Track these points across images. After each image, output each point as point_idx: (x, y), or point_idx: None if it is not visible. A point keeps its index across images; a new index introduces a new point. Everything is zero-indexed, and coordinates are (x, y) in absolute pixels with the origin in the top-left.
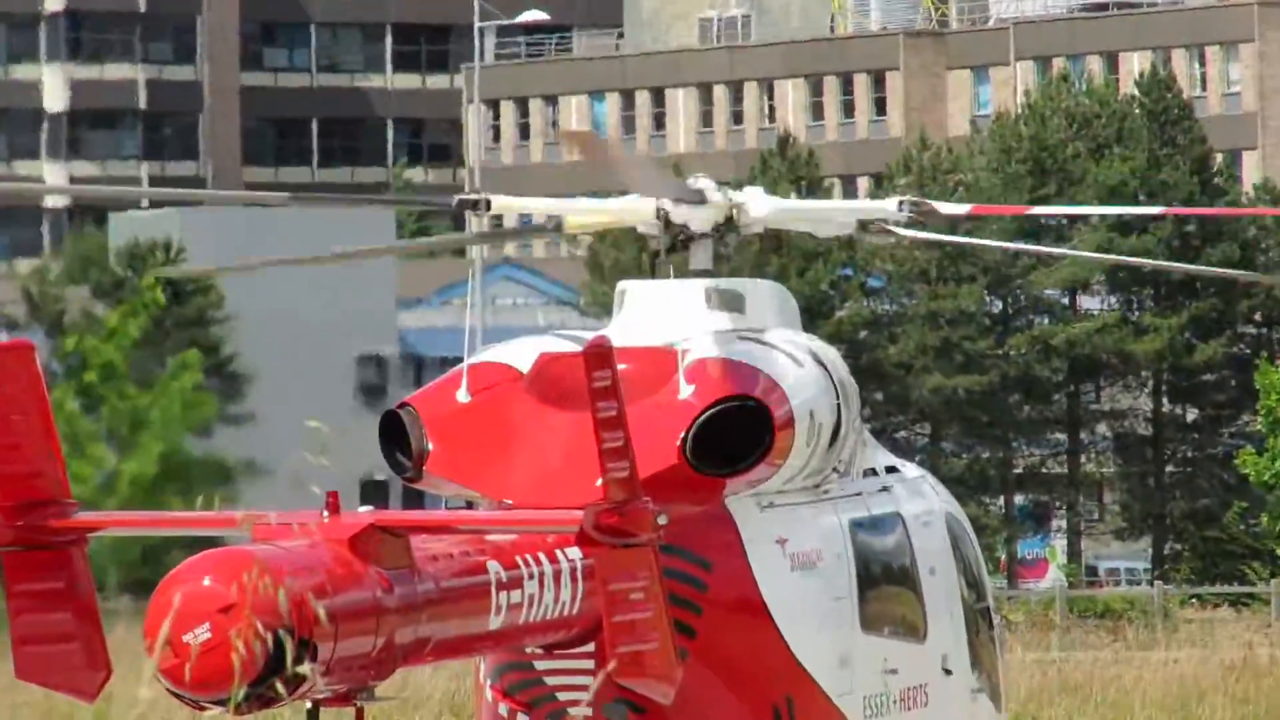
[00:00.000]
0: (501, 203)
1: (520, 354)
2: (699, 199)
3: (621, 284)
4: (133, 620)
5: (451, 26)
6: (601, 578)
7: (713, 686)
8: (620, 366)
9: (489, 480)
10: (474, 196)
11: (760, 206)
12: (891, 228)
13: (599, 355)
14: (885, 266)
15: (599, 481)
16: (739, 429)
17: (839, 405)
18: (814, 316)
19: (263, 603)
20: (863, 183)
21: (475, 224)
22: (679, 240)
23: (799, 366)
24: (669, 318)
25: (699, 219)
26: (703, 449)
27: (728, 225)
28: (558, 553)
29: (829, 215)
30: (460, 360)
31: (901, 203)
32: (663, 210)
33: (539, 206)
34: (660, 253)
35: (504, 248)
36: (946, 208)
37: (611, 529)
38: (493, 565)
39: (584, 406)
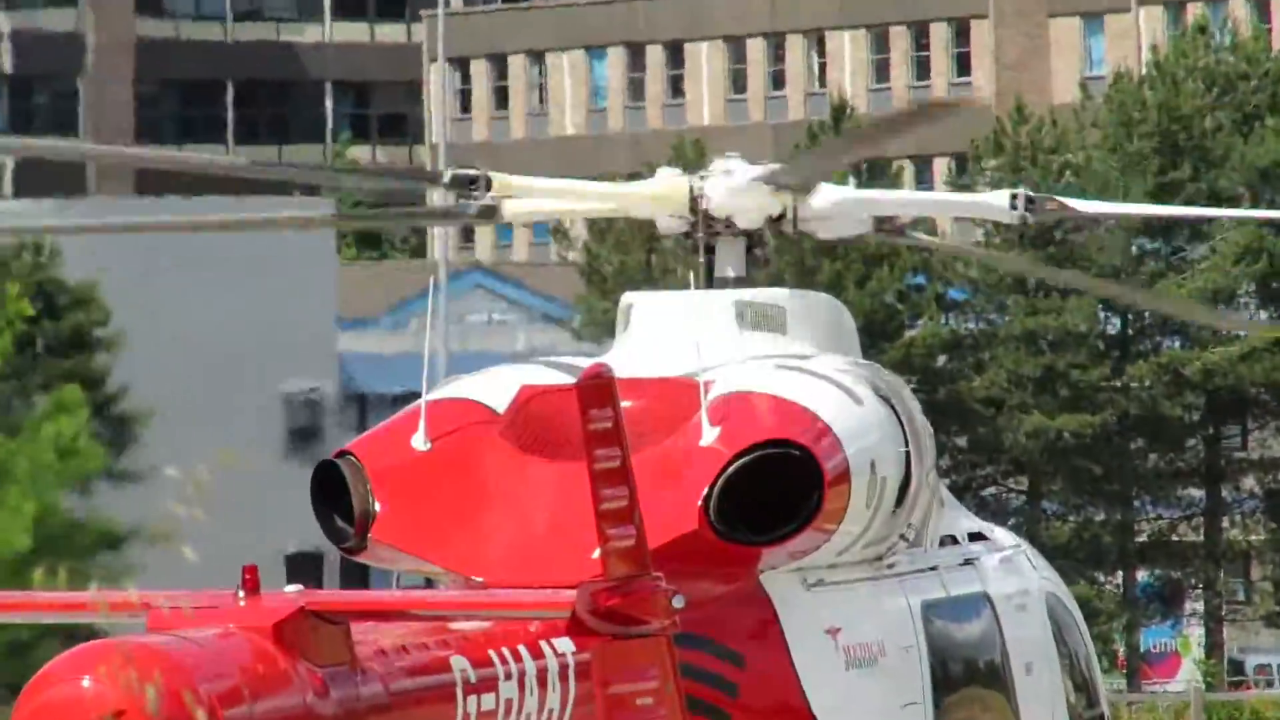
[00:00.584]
0: (504, 183)
1: (495, 388)
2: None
3: (627, 297)
4: None
5: None
6: (600, 677)
7: None
8: (624, 404)
9: (454, 551)
10: (470, 172)
11: (826, 196)
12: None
13: (597, 389)
14: (969, 273)
15: (596, 553)
16: (778, 485)
17: (908, 453)
18: (877, 338)
19: (160, 710)
20: (939, 165)
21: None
22: (708, 238)
23: (857, 404)
24: (688, 340)
25: (747, 209)
26: (731, 510)
27: (779, 220)
28: (543, 645)
29: (919, 211)
30: (417, 396)
31: (1015, 198)
32: (699, 194)
33: (551, 187)
34: (696, 249)
35: (475, 249)
36: (1079, 206)
37: (613, 614)
38: (458, 662)
39: (577, 455)
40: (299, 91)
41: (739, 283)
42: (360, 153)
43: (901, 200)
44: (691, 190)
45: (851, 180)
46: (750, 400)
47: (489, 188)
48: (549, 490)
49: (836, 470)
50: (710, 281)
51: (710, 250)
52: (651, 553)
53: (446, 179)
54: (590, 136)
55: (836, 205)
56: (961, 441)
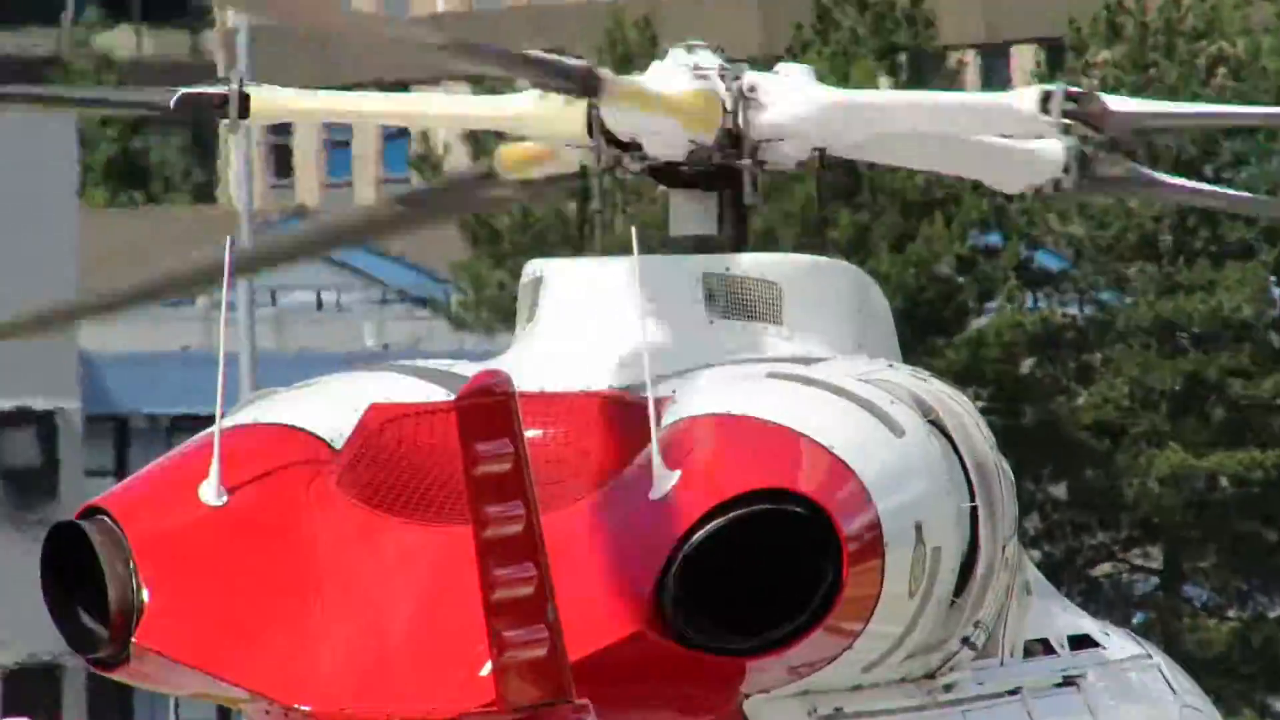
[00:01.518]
0: (268, 101)
1: (328, 409)
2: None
3: (534, 265)
4: None
5: None
6: None
7: None
8: (531, 433)
9: (264, 666)
10: (215, 90)
11: (790, 105)
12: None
13: (488, 411)
14: (1069, 228)
15: (486, 668)
16: (772, 562)
17: (974, 511)
18: (926, 330)
19: None
20: (1020, 56)
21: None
22: (654, 172)
23: (894, 434)
24: (629, 332)
25: (662, 141)
26: (699, 601)
27: (730, 142)
28: None
29: (920, 119)
30: (204, 420)
31: (1048, 98)
32: (597, 117)
33: (339, 108)
34: (598, 201)
35: (295, 189)
36: (1123, 106)
37: None
38: None
39: (457, 514)
40: None
41: (706, 245)
42: (112, 39)
43: (902, 103)
44: (590, 106)
45: (884, 81)
46: (726, 428)
47: (245, 113)
48: (413, 568)
49: (863, 537)
50: (664, 244)
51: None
52: (575, 667)
53: (172, 101)
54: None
55: (805, 117)
56: (1059, 491)
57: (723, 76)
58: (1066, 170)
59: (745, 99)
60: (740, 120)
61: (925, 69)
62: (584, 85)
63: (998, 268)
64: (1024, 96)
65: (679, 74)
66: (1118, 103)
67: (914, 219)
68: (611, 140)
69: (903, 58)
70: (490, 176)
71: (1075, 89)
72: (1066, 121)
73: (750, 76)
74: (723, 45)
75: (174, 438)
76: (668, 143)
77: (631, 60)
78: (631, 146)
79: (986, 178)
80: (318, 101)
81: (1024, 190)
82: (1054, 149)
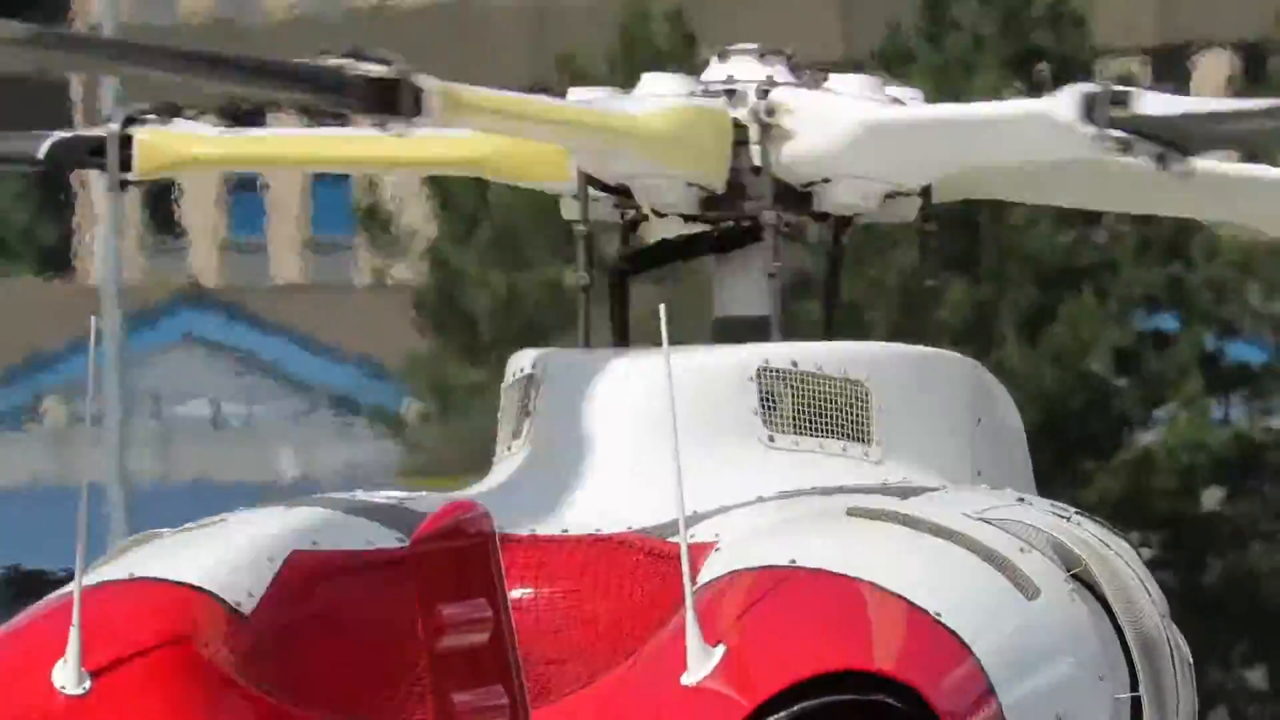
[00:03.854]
0: (162, 147)
1: (232, 557)
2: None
3: (521, 358)
4: None
5: None
6: None
7: None
8: (518, 591)
9: None
10: (95, 132)
11: (817, 129)
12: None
13: (459, 557)
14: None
15: None
16: None
17: (1135, 704)
18: (1073, 450)
19: None
20: (1211, 61)
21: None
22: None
23: (1024, 595)
24: (651, 453)
25: (656, 189)
26: None
27: (755, 177)
28: None
29: (940, 144)
30: (60, 576)
31: (1092, 102)
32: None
33: (265, 154)
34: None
35: (187, 254)
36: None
37: None
38: None
39: (414, 704)
40: None
41: (764, 331)
42: None
43: (907, 123)
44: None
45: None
46: (788, 587)
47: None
48: None
49: None
50: (710, 329)
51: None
52: None
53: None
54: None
55: (809, 142)
56: (1256, 677)
57: (730, 94)
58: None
59: (765, 124)
60: (758, 154)
61: (1075, 81)
62: (385, 105)
63: (1172, 362)
64: (1058, 101)
65: (672, 89)
66: (1168, 103)
67: (1054, 293)
68: (608, 188)
69: (1045, 67)
70: None
71: (1121, 88)
72: (1117, 134)
73: (778, 94)
74: (784, 49)
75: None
76: (666, 190)
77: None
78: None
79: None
80: (237, 145)
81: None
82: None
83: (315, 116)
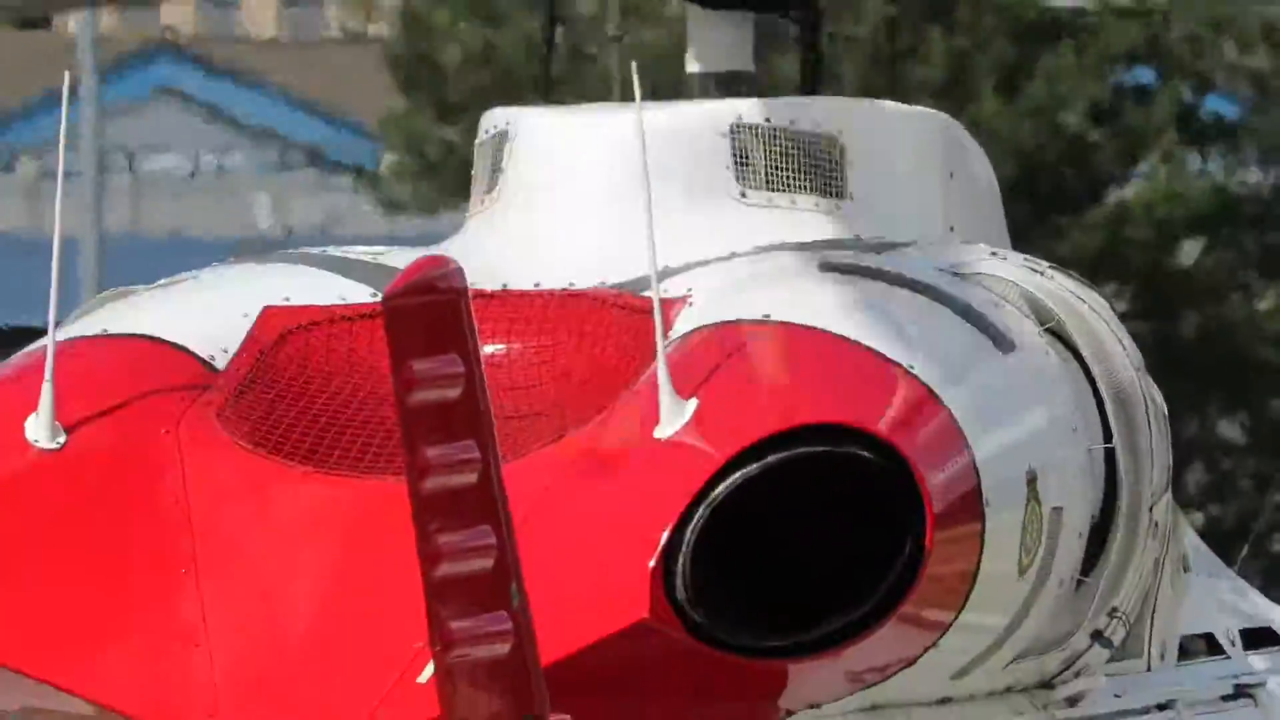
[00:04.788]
0: None
1: (205, 312)
2: None
3: (494, 115)
4: None
5: None
6: None
7: None
8: (490, 347)
9: (118, 670)
10: None
11: None
12: None
13: (431, 312)
14: (1252, 60)
15: (424, 673)
16: (823, 524)
17: (1109, 455)
18: (1048, 205)
19: None
20: None
21: None
22: None
23: (997, 349)
24: (623, 208)
25: None
26: (722, 580)
27: None
28: None
29: None
30: (31, 332)
31: None
32: None
33: None
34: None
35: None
36: None
37: None
38: None
39: (385, 458)
40: None
41: (738, 85)
42: None
43: None
44: None
45: None
46: (761, 341)
47: None
48: (322, 535)
49: (953, 493)
50: (679, 84)
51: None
52: (550, 671)
53: None
54: None
55: None
56: (1232, 430)
57: None
58: None
59: None
60: None
61: None
62: None
63: (1150, 117)
64: None
65: None
66: None
67: (1032, 47)
68: None
69: None
70: None
71: None
72: None
73: None
74: None
75: None
76: None
77: None
78: None
79: None
80: None
81: None
82: None
83: None
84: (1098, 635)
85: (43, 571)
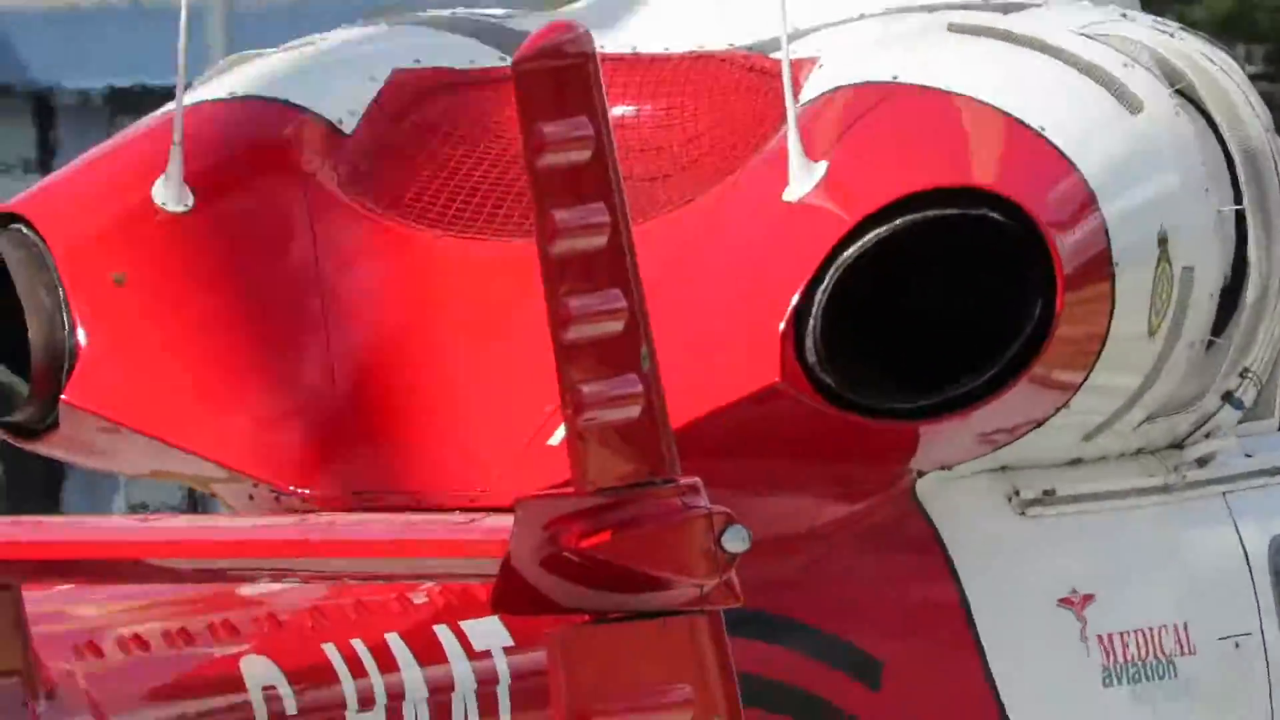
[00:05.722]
0: None
1: (332, 76)
2: None
3: None
4: None
5: None
6: (569, 706)
7: None
8: (620, 109)
9: (246, 432)
10: None
11: None
12: None
13: (560, 75)
14: None
15: (558, 435)
16: (953, 285)
17: (1240, 216)
18: None
19: None
20: None
21: None
22: None
23: (1127, 110)
24: None
25: None
26: (853, 341)
27: None
28: (441, 634)
29: None
30: (157, 93)
31: None
32: None
33: None
34: None
35: None
36: None
37: (593, 568)
38: (257, 668)
39: (514, 221)
40: None
41: None
42: None
43: None
44: None
45: None
46: (891, 103)
47: None
48: (452, 299)
49: (1084, 253)
50: None
51: None
52: (680, 434)
53: None
54: None
55: None
56: None
57: None
58: None
59: None
60: None
61: None
62: None
63: None
64: None
65: None
66: None
67: None
68: None
69: None
70: None
71: None
72: None
73: None
74: None
75: (115, 120)
76: None
77: None
78: None
79: None
80: None
81: None
82: None
83: None
84: (1228, 396)
85: (172, 337)
